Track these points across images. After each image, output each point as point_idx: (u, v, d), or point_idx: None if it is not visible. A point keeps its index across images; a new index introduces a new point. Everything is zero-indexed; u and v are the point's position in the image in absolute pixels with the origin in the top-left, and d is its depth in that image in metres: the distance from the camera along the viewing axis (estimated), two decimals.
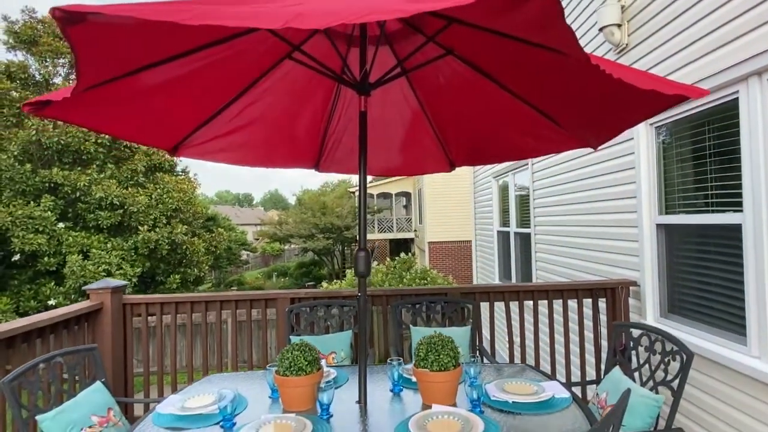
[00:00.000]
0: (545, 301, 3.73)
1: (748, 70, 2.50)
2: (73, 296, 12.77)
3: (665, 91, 1.59)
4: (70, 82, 15.37)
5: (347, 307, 3.38)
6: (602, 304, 3.74)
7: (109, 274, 12.93)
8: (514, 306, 3.70)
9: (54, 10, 1.05)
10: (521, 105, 2.56)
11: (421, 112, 3.08)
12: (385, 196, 28.00)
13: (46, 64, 15.09)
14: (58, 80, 15.47)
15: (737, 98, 2.64)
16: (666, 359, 2.44)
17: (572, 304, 3.73)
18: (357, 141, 3.09)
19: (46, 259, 12.76)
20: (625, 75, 1.55)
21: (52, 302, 12.92)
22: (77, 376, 2.41)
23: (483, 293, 3.67)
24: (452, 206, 19.00)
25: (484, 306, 3.66)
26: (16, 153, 12.92)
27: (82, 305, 3.26)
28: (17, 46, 14.95)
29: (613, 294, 3.68)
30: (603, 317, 3.77)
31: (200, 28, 1.92)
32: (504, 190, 7.89)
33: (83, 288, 3.53)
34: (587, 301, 3.74)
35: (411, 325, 3.37)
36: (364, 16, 1.15)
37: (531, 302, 3.70)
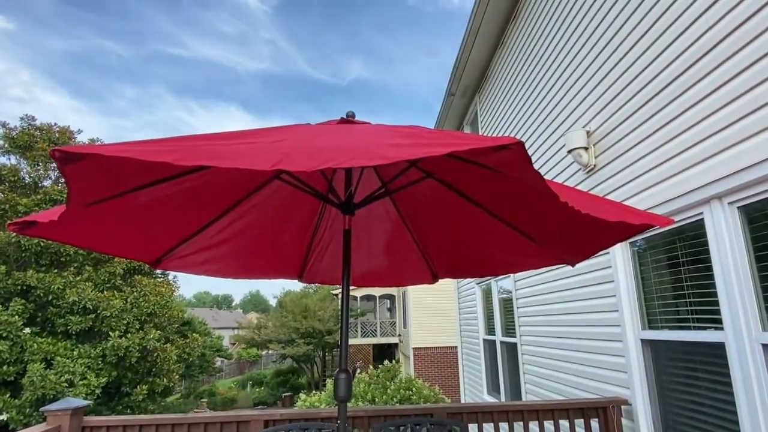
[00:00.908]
0: (536, 422, 3.54)
1: (709, 194, 2.67)
2: (28, 410, 11.72)
3: (632, 221, 1.68)
4: (59, 185, 15.61)
5: (325, 431, 3.16)
6: (594, 423, 3.56)
7: (72, 384, 12.03)
8: (504, 426, 3.50)
9: (54, 152, 1.10)
10: (499, 224, 2.65)
11: (404, 227, 3.17)
12: (369, 298, 27.59)
13: (38, 168, 15.42)
14: (47, 183, 15.70)
15: (703, 219, 2.79)
16: None
17: (564, 423, 3.55)
18: (341, 255, 3.13)
19: (5, 368, 11.90)
20: (595, 206, 1.65)
21: (3, 417, 11.81)
22: None
23: (471, 413, 3.48)
24: (437, 311, 18.71)
25: (473, 428, 3.45)
26: None
27: (35, 430, 2.98)
28: (12, 150, 15.36)
29: (605, 414, 3.52)
30: None
31: None
32: (488, 296, 7.86)
33: (41, 409, 3.25)
34: (579, 421, 3.56)
35: None
36: (348, 161, 1.23)
37: (521, 423, 3.51)
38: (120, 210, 2.09)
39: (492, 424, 3.50)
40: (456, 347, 18.03)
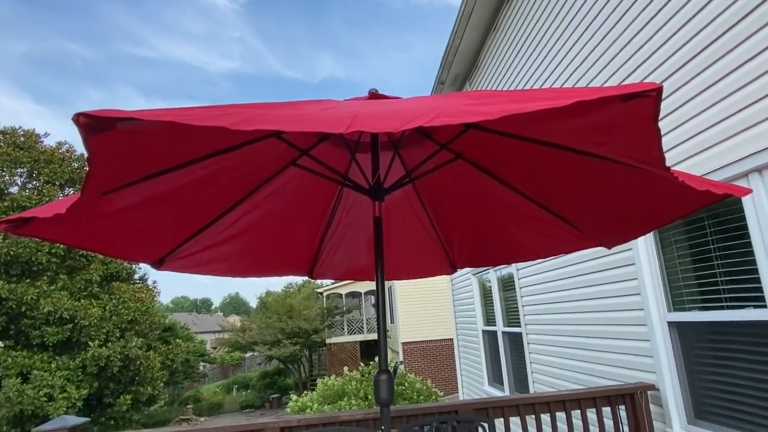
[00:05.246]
0: (562, 413, 3.41)
1: (748, 167, 2.56)
2: (5, 428, 11.13)
3: (716, 191, 1.53)
4: (27, 190, 14.85)
5: None
6: (622, 412, 3.45)
7: (51, 398, 11.48)
8: (530, 420, 3.36)
9: (79, 116, 0.87)
10: (532, 206, 2.49)
11: (424, 214, 2.98)
12: (354, 295, 27.39)
13: (3, 173, 14.63)
14: (14, 189, 14.92)
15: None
16: None
17: (591, 412, 3.43)
18: (356, 245, 2.92)
19: None
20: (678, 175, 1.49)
21: None
22: None
23: (496, 408, 3.33)
24: (426, 303, 18.63)
25: (498, 422, 3.29)
26: None
27: None
28: None
29: (633, 400, 3.42)
30: (625, 427, 3.46)
31: (213, 133, 1.77)
32: (486, 286, 7.75)
33: (33, 431, 2.94)
34: (606, 410, 3.46)
35: None
36: (434, 119, 1.03)
37: (548, 414, 3.37)
38: (122, 205, 1.82)
39: (518, 418, 3.35)
40: (445, 340, 18.04)
